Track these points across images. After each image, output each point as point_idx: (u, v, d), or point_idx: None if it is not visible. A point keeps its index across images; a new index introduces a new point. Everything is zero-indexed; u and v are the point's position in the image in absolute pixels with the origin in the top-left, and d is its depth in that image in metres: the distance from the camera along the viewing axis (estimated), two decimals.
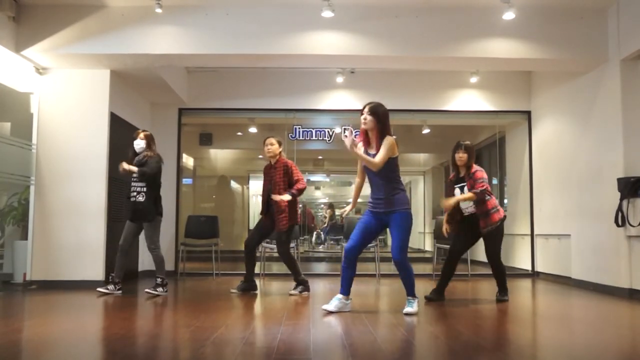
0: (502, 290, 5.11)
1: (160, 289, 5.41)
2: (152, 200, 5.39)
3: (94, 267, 6.05)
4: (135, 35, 5.85)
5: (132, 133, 6.91)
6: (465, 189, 4.95)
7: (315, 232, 14.24)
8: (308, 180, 14.91)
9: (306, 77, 7.90)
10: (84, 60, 6.02)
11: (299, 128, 8.27)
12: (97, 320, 4.27)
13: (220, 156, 11.95)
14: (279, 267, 8.51)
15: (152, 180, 5.40)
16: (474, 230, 4.99)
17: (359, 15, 5.90)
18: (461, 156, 4.97)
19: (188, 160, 10.49)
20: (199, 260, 7.96)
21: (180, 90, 7.41)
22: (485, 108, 7.98)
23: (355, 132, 4.87)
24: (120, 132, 6.45)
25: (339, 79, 7.76)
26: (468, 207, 4.96)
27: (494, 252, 5.03)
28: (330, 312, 4.27)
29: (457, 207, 4.98)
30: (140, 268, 7.35)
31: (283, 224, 5.40)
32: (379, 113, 4.25)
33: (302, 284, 5.53)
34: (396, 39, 5.95)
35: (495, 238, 5.00)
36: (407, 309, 4.29)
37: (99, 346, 3.30)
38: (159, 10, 5.60)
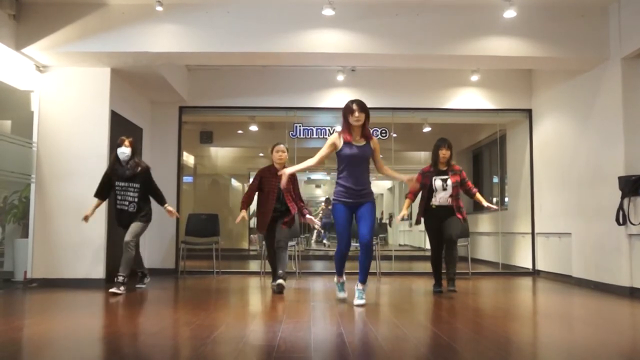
0: (453, 279, 5.34)
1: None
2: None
3: (94, 265, 6.05)
4: (135, 33, 5.84)
5: (133, 131, 6.91)
6: (450, 181, 5.30)
7: (316, 231, 14.23)
8: (309, 179, 14.97)
9: (307, 75, 7.89)
10: (85, 58, 6.02)
11: (300, 126, 8.27)
12: (97, 318, 4.27)
13: (220, 154, 11.95)
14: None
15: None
16: (440, 221, 5.30)
17: (359, 14, 5.89)
18: (445, 153, 5.36)
19: (189, 159, 10.49)
20: (200, 258, 7.96)
21: (180, 88, 7.41)
22: (486, 106, 7.97)
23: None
24: (121, 130, 6.44)
25: (340, 77, 7.75)
26: (441, 198, 5.28)
27: (455, 233, 5.24)
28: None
29: (429, 197, 5.31)
30: None
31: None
32: (367, 109, 4.58)
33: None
34: (397, 37, 5.94)
35: (459, 224, 5.31)
36: (361, 301, 4.56)
37: (99, 344, 3.30)
38: (159, 9, 5.59)
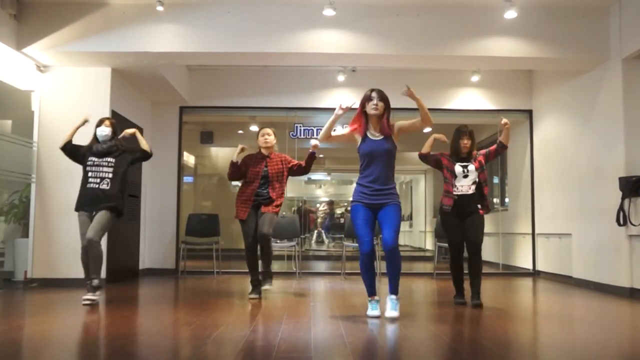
0: (478, 292, 4.66)
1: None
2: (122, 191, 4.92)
3: None
4: (136, 33, 5.85)
5: None
6: (471, 167, 4.70)
7: (316, 231, 14.25)
8: (309, 179, 14.98)
9: (307, 76, 7.89)
10: (85, 58, 6.02)
11: (300, 126, 8.27)
12: (98, 318, 4.27)
13: (221, 154, 11.95)
14: (280, 266, 8.52)
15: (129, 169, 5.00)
16: (461, 217, 4.70)
17: (360, 14, 5.89)
18: (466, 143, 4.77)
19: (189, 159, 10.50)
20: (200, 258, 7.96)
21: (181, 88, 7.41)
22: (487, 107, 7.97)
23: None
24: (121, 130, 6.42)
25: (340, 78, 7.75)
26: (463, 186, 4.68)
27: (480, 237, 4.66)
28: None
29: (451, 183, 4.71)
30: (141, 266, 7.35)
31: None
32: (386, 98, 4.25)
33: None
34: (397, 37, 5.95)
35: (482, 224, 4.70)
36: (394, 312, 3.96)
37: (100, 344, 3.30)
38: (160, 9, 5.60)
